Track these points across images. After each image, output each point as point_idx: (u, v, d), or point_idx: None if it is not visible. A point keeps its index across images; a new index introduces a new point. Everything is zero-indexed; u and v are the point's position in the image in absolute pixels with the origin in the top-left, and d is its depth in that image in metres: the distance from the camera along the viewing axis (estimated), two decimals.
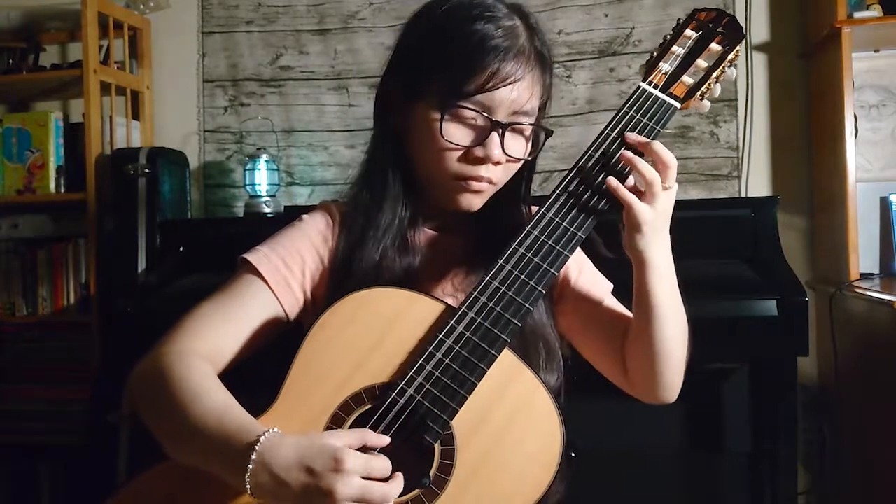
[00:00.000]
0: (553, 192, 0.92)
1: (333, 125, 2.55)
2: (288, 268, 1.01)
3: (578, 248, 0.93)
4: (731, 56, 0.99)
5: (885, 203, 2.20)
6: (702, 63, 0.98)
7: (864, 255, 2.07)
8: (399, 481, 0.81)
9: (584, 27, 2.41)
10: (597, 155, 0.93)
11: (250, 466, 0.78)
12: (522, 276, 0.89)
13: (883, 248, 2.21)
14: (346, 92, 2.54)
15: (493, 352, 0.86)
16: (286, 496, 0.78)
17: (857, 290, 1.94)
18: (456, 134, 0.97)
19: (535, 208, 0.95)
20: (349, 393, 0.87)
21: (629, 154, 0.90)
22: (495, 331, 0.87)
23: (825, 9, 2.11)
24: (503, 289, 0.89)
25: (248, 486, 0.78)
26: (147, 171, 2.31)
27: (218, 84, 2.63)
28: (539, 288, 0.89)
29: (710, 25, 1.00)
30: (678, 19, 1.02)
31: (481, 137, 0.97)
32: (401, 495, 0.83)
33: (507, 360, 0.88)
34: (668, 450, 2.02)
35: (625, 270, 0.97)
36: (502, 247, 0.91)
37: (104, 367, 2.29)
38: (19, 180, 2.47)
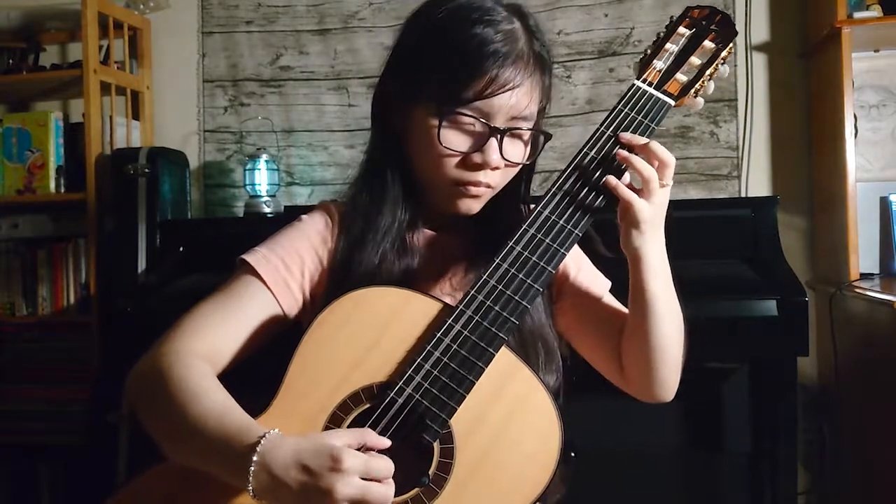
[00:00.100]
0: (549, 190, 0.92)
1: (333, 125, 2.55)
2: (287, 268, 1.01)
3: (576, 247, 0.93)
4: (724, 53, 0.99)
5: (885, 203, 2.20)
6: (695, 60, 0.98)
7: (864, 255, 2.07)
8: (390, 484, 0.80)
9: (584, 27, 2.41)
10: (592, 153, 0.93)
11: (252, 468, 0.78)
12: (520, 275, 0.89)
13: (883, 248, 2.21)
14: (346, 92, 2.54)
15: (491, 350, 0.86)
16: (286, 496, 0.77)
17: (857, 290, 1.94)
18: (454, 140, 0.96)
19: (534, 207, 0.95)
20: (347, 392, 0.87)
21: (625, 153, 0.91)
22: (493, 329, 0.87)
23: (825, 9, 2.11)
24: (500, 287, 0.89)
25: (251, 488, 0.78)
26: (147, 171, 2.31)
27: (218, 84, 2.63)
28: (536, 286, 0.89)
29: (704, 23, 1.00)
30: (671, 17, 1.02)
31: (479, 143, 0.96)
32: (401, 494, 0.84)
33: (505, 359, 0.88)
34: (667, 450, 2.02)
35: (623, 269, 0.97)
36: (500, 246, 0.91)
37: (104, 367, 2.29)
38: (19, 180, 2.48)
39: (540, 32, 1.00)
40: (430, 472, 0.86)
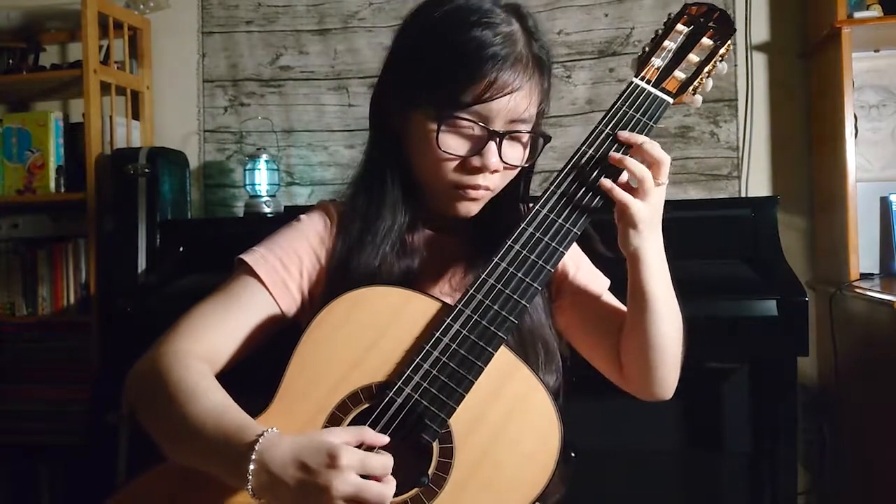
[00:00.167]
0: (547, 188, 0.92)
1: (333, 125, 2.55)
2: (285, 268, 1.01)
3: (575, 245, 0.93)
4: (722, 50, 0.98)
5: (885, 203, 2.20)
6: (693, 58, 0.98)
7: (864, 255, 2.07)
8: (391, 483, 0.81)
9: (584, 27, 2.41)
10: (590, 151, 0.93)
11: (251, 467, 0.78)
12: (519, 274, 0.89)
13: (883, 248, 2.20)
14: (346, 92, 2.54)
15: (490, 349, 0.86)
16: (284, 494, 0.77)
17: (857, 290, 1.94)
18: (452, 144, 0.96)
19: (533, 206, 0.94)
20: (346, 392, 0.87)
21: (617, 154, 0.91)
22: (492, 328, 0.87)
23: (825, 9, 2.11)
24: (499, 286, 0.89)
25: (249, 487, 0.78)
26: (147, 171, 2.31)
27: (218, 84, 2.63)
28: (535, 285, 0.89)
29: (702, 20, 1.00)
30: (669, 14, 1.02)
31: (478, 147, 0.96)
32: (400, 494, 0.84)
33: (504, 359, 0.88)
34: (668, 450, 2.02)
35: (622, 268, 0.97)
36: (499, 245, 0.91)
37: (104, 367, 2.29)
38: (19, 180, 2.48)
39: (539, 33, 0.99)
40: (430, 472, 0.86)
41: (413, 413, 0.85)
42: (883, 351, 1.84)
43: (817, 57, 2.23)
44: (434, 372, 0.86)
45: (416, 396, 0.85)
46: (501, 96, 0.93)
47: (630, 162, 0.90)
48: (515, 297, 0.88)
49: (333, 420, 0.87)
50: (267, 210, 2.37)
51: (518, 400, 0.87)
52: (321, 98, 2.56)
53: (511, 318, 0.88)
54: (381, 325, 0.88)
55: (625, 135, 0.93)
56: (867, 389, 1.95)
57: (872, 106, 2.28)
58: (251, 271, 0.99)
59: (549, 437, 0.86)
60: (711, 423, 1.99)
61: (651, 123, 0.94)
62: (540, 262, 0.89)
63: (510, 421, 0.87)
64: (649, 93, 0.95)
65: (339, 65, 2.55)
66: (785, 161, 2.34)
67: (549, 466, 0.86)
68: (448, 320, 0.87)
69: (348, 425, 0.86)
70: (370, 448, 0.82)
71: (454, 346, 0.86)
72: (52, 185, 2.45)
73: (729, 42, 0.99)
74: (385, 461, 0.80)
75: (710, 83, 0.99)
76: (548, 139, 1.03)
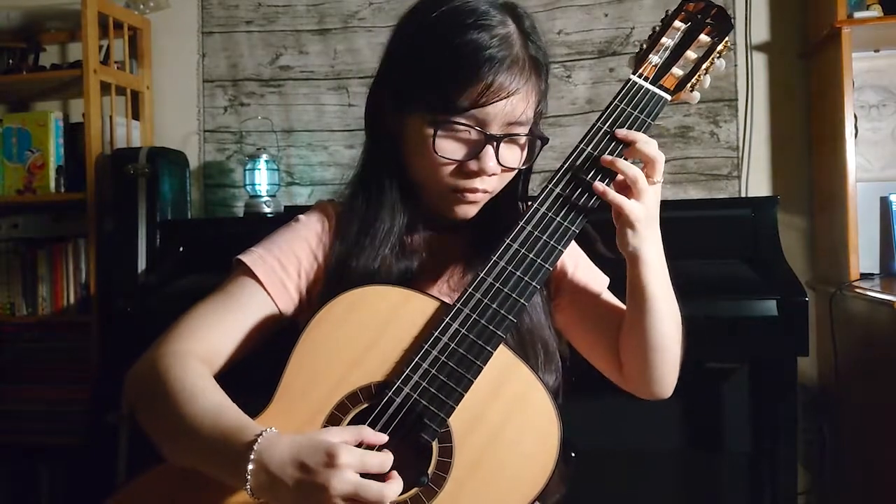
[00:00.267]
0: (546, 187, 0.92)
1: (333, 125, 2.55)
2: (284, 269, 1.00)
3: (573, 243, 0.93)
4: (720, 47, 0.98)
5: (885, 203, 2.20)
6: (691, 54, 0.98)
7: (864, 255, 2.07)
8: (398, 482, 0.81)
9: (584, 27, 2.41)
10: (588, 149, 0.93)
11: (250, 467, 0.78)
12: (517, 273, 0.89)
13: (883, 248, 2.20)
14: (346, 92, 2.54)
15: (489, 348, 0.86)
16: (283, 494, 0.77)
17: (857, 290, 1.94)
18: (449, 148, 0.95)
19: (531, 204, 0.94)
20: (345, 392, 0.87)
21: (608, 157, 0.91)
22: (491, 327, 0.87)
23: (825, 9, 2.11)
24: (498, 285, 0.88)
25: (248, 487, 0.78)
26: (147, 171, 2.31)
27: (218, 84, 2.63)
28: (534, 283, 0.89)
29: (699, 16, 0.99)
30: (667, 10, 1.02)
31: (475, 151, 0.95)
32: (400, 494, 0.83)
33: (503, 358, 0.88)
34: (668, 450, 2.02)
35: (622, 268, 0.97)
36: (497, 244, 0.90)
37: (104, 367, 2.29)
38: (19, 180, 2.48)
39: (535, 34, 0.98)
40: (429, 472, 0.85)
41: (412, 412, 0.85)
42: (883, 351, 1.84)
43: (817, 57, 2.23)
44: (433, 371, 0.86)
45: (415, 396, 0.85)
46: (498, 100, 0.92)
47: (621, 164, 0.90)
48: (514, 295, 0.88)
49: (332, 420, 0.86)
50: (267, 210, 2.37)
51: (517, 399, 0.87)
52: (321, 98, 2.56)
53: (510, 316, 0.87)
54: (379, 325, 0.88)
55: (622, 132, 0.93)
56: (867, 389, 1.94)
57: (872, 106, 2.28)
58: (249, 272, 0.99)
59: (549, 436, 0.86)
60: (711, 423, 1.99)
61: (649, 120, 0.94)
62: (538, 261, 0.89)
63: (509, 420, 0.87)
64: (647, 90, 0.95)
65: (339, 65, 2.55)
66: (785, 161, 2.34)
67: (549, 466, 0.86)
68: (447, 319, 0.87)
69: (347, 425, 0.86)
70: (369, 447, 0.81)
71: (453, 345, 0.86)
72: (52, 185, 2.45)
73: (727, 38, 0.99)
74: (384, 460, 0.80)
75: (707, 80, 0.99)
76: (546, 141, 1.02)
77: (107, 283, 2.35)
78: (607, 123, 0.94)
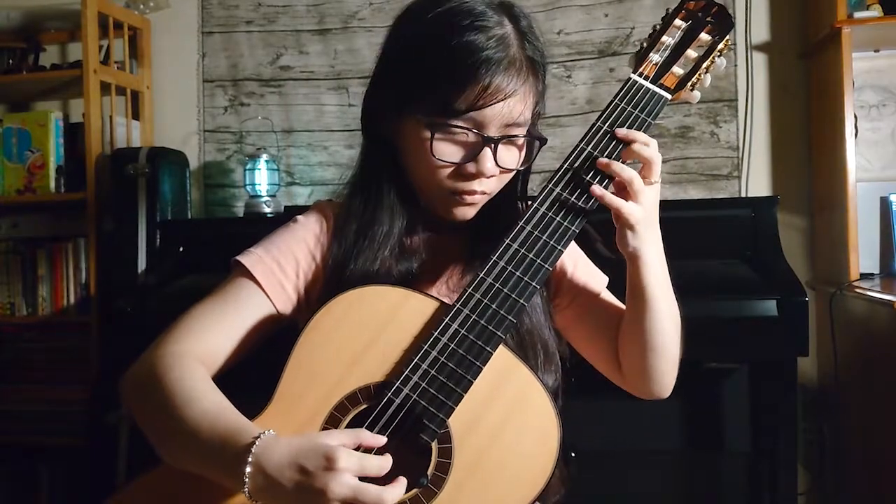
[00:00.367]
0: (545, 187, 0.92)
1: (333, 125, 2.55)
2: (282, 270, 1.00)
3: (573, 243, 0.92)
4: (720, 46, 0.98)
5: (885, 203, 2.20)
6: (692, 53, 0.97)
7: (864, 255, 2.07)
8: (401, 484, 0.81)
9: (584, 27, 2.41)
10: (588, 149, 0.93)
11: (248, 469, 0.77)
12: (517, 273, 0.88)
13: (883, 248, 2.21)
14: (346, 92, 2.54)
15: (488, 349, 0.86)
16: (281, 497, 0.77)
17: (857, 290, 1.94)
18: (447, 151, 0.94)
19: (531, 204, 0.94)
20: (344, 393, 0.87)
21: (604, 160, 0.90)
22: (490, 328, 0.86)
23: (825, 9, 2.11)
24: (497, 285, 0.88)
25: (246, 490, 0.78)
26: (147, 171, 2.31)
27: (218, 84, 2.63)
28: (533, 284, 0.88)
29: (700, 15, 0.99)
30: (667, 9, 1.01)
31: (473, 153, 0.94)
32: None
33: (503, 359, 0.87)
34: (668, 450, 2.02)
35: (623, 268, 0.97)
36: (497, 244, 0.90)
37: (104, 367, 2.29)
38: (19, 180, 2.48)
39: (533, 34, 0.97)
40: (429, 473, 0.85)
41: (411, 413, 0.85)
42: (883, 351, 1.84)
43: (817, 57, 2.23)
44: (432, 372, 0.85)
45: (414, 397, 0.85)
46: (496, 102, 0.91)
47: (616, 166, 0.90)
48: (514, 296, 0.88)
49: (332, 421, 0.86)
50: (267, 210, 2.37)
51: (517, 400, 0.87)
52: (321, 98, 2.56)
53: (510, 317, 0.87)
54: (378, 325, 0.88)
55: (622, 132, 0.92)
56: (867, 389, 1.94)
57: (872, 106, 2.28)
58: (247, 273, 0.99)
59: (548, 437, 0.86)
60: (711, 423, 1.99)
61: (649, 120, 0.94)
62: (538, 261, 0.89)
63: (509, 421, 0.86)
64: (647, 89, 0.95)
65: (339, 65, 2.55)
66: (785, 161, 2.34)
67: (549, 467, 0.86)
68: (446, 320, 0.87)
69: (346, 426, 0.86)
70: (368, 450, 0.81)
71: (453, 345, 0.86)
72: (52, 185, 2.45)
73: (727, 37, 0.98)
74: (382, 463, 0.79)
75: (708, 79, 0.99)
76: (544, 141, 1.02)
77: (107, 283, 2.35)
78: (607, 123, 0.93)
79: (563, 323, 1.09)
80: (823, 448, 2.18)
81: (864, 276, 2.04)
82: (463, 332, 0.86)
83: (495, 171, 0.96)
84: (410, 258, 1.02)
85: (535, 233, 0.90)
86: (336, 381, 0.87)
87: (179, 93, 2.65)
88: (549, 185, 0.92)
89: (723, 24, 0.98)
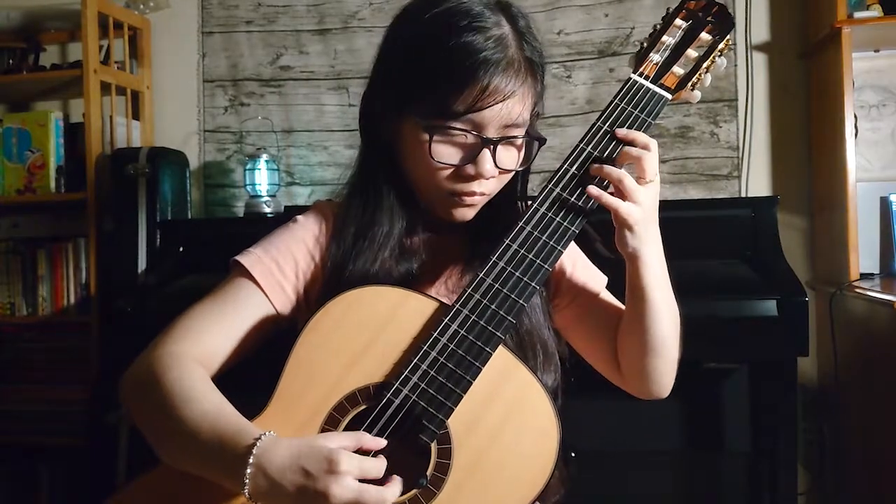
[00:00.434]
0: (545, 187, 0.92)
1: (333, 125, 2.55)
2: (281, 270, 1.00)
3: (572, 243, 0.92)
4: (721, 45, 0.97)
5: (885, 203, 2.20)
6: (692, 53, 0.97)
7: (864, 255, 2.07)
8: (397, 485, 0.81)
9: (584, 27, 2.41)
10: (588, 149, 0.93)
11: (248, 471, 0.77)
12: (517, 273, 0.88)
13: (883, 248, 2.21)
14: (346, 92, 2.54)
15: (488, 349, 0.86)
16: (282, 498, 0.77)
17: (857, 290, 1.93)
18: (445, 153, 0.94)
19: (530, 204, 0.94)
20: (343, 393, 0.87)
21: (595, 165, 0.90)
22: (490, 328, 0.86)
23: (825, 9, 2.10)
24: (497, 285, 0.88)
25: (246, 491, 0.78)
26: (147, 171, 2.31)
27: (218, 84, 2.63)
28: (533, 284, 0.88)
29: (700, 14, 0.98)
30: (668, 9, 1.01)
31: (472, 155, 0.94)
32: (398, 496, 0.83)
33: (502, 359, 0.87)
34: (668, 450, 2.02)
35: (622, 267, 0.97)
36: (496, 244, 0.90)
37: (104, 367, 2.29)
38: (19, 180, 2.48)
39: (531, 35, 0.96)
40: (428, 473, 0.85)
41: (411, 414, 0.85)
42: (883, 351, 1.84)
43: (817, 57, 2.23)
44: (432, 372, 0.85)
45: (413, 397, 0.85)
46: (494, 103, 0.91)
47: (607, 170, 0.90)
48: (513, 296, 0.88)
49: (331, 421, 0.86)
50: (267, 210, 2.37)
51: (516, 400, 0.87)
52: (321, 98, 2.56)
53: (509, 317, 0.87)
54: (378, 326, 0.88)
55: (623, 132, 0.92)
56: (867, 389, 1.94)
57: (872, 106, 2.28)
58: (246, 273, 0.98)
59: (548, 437, 0.86)
60: (711, 423, 1.99)
61: (650, 120, 0.94)
62: (538, 262, 0.89)
63: (508, 421, 0.86)
64: (647, 89, 0.95)
65: (339, 65, 2.55)
66: (785, 161, 2.34)
67: (548, 467, 0.86)
68: (446, 320, 0.87)
69: (346, 427, 0.86)
70: (367, 452, 0.81)
71: (452, 346, 0.86)
72: (52, 185, 2.45)
73: (728, 37, 0.98)
74: (382, 465, 0.79)
75: (708, 78, 0.98)
76: (543, 142, 1.02)
77: (107, 283, 2.35)
78: (607, 123, 0.93)
79: (562, 323, 1.09)
80: (823, 448, 2.18)
81: (864, 276, 2.04)
82: (462, 332, 0.86)
83: (494, 172, 0.96)
84: (410, 259, 1.02)
85: (535, 233, 0.90)
86: (335, 381, 0.87)
87: (179, 93, 2.65)
88: (549, 186, 0.92)
89: (723, 23, 0.98)
